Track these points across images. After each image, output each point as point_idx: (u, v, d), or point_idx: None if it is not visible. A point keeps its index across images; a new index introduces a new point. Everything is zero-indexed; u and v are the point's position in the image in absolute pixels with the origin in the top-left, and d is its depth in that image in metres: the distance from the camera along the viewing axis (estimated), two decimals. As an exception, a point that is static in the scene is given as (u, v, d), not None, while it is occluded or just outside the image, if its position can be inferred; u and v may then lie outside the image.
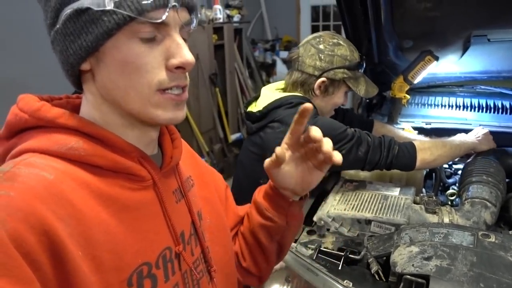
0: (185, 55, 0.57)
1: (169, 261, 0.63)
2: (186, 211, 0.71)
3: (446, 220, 1.18)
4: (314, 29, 6.42)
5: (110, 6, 0.52)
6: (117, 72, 0.56)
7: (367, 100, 2.03)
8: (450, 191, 1.46)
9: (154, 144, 0.69)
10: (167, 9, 0.55)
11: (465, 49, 1.68)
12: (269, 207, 0.81)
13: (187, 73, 0.61)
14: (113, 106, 0.60)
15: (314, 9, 6.34)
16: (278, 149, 0.68)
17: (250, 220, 0.86)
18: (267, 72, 5.89)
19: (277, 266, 1.02)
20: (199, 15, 0.66)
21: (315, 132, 0.66)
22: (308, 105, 0.65)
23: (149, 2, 0.53)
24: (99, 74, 0.58)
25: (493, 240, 0.96)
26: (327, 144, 0.66)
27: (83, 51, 0.55)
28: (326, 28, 6.33)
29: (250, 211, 0.86)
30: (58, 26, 0.56)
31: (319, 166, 0.72)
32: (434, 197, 1.30)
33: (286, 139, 0.71)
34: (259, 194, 0.84)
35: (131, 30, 0.54)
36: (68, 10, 0.54)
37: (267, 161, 0.71)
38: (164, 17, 0.54)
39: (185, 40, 0.60)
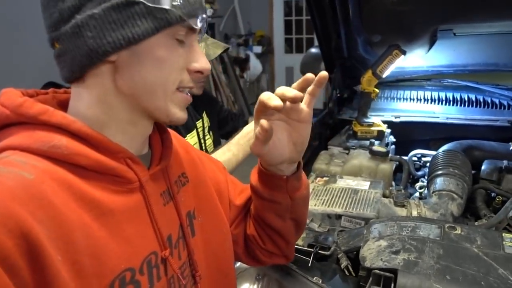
0: (205, 61, 0.63)
1: (154, 267, 0.61)
2: (175, 214, 0.69)
3: (415, 213, 1.19)
4: (287, 24, 6.43)
5: (167, 5, 0.55)
6: (150, 68, 0.58)
7: (338, 95, 2.04)
8: (419, 183, 1.48)
9: (145, 143, 0.67)
10: (200, 18, 0.61)
11: (431, 43, 1.71)
12: (267, 190, 0.77)
13: None
14: (126, 101, 0.60)
15: (287, 4, 6.35)
16: (262, 122, 0.64)
17: (254, 205, 0.83)
18: (241, 67, 5.87)
19: (245, 265, 1.01)
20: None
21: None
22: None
23: (196, 10, 0.59)
24: (128, 68, 0.57)
25: (459, 232, 0.98)
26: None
27: (125, 42, 0.55)
28: (298, 22, 6.34)
29: (252, 196, 0.83)
30: (95, 11, 0.54)
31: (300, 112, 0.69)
32: (403, 190, 1.32)
33: (256, 113, 0.68)
34: (253, 177, 0.80)
35: (174, 30, 0.58)
36: (119, 1, 0.54)
37: (254, 144, 0.69)
38: (200, 25, 0.61)
39: None
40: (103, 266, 0.53)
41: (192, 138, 1.50)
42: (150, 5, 0.54)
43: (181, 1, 0.57)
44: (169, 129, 0.75)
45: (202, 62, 0.63)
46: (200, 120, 1.56)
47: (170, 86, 0.60)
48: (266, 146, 0.69)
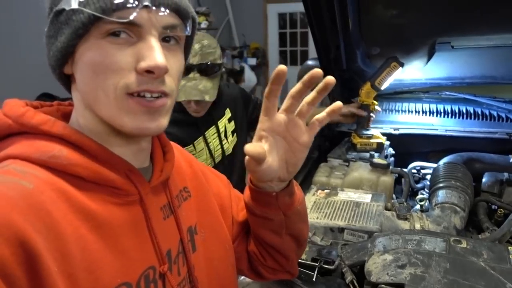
0: (155, 58, 0.53)
1: (152, 282, 0.59)
2: (175, 228, 0.67)
3: (418, 226, 1.18)
4: (282, 36, 6.47)
5: (75, 5, 0.51)
6: (89, 73, 0.54)
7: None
8: (420, 196, 1.47)
9: (144, 156, 0.65)
10: (137, 9, 0.52)
11: (430, 56, 1.72)
12: (258, 206, 0.74)
13: (166, 80, 0.56)
14: (92, 112, 0.57)
15: (281, 17, 6.39)
16: (254, 147, 0.61)
17: (249, 222, 0.80)
18: (235, 79, 5.87)
19: (248, 280, 0.99)
20: (196, 19, 0.63)
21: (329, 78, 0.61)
22: (282, 66, 0.60)
23: (117, 1, 0.51)
24: (77, 77, 0.57)
25: (465, 245, 0.97)
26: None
27: (59, 53, 0.55)
28: (293, 35, 6.38)
29: (246, 213, 0.80)
30: (45, 29, 0.56)
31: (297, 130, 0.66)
32: (405, 203, 1.31)
33: (260, 125, 0.66)
34: (246, 193, 0.78)
35: (100, 30, 0.52)
36: (52, 13, 0.54)
37: (247, 163, 0.64)
38: (131, 17, 0.52)
39: (178, 44, 0.59)
40: (98, 280, 0.52)
41: (212, 136, 1.53)
42: (67, 9, 0.52)
43: None
44: (172, 143, 0.74)
45: (150, 59, 0.53)
46: (223, 119, 1.57)
47: (111, 91, 0.54)
48: (263, 164, 0.65)
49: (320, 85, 0.63)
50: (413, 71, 1.82)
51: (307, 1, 1.51)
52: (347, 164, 1.65)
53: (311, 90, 0.65)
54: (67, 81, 0.60)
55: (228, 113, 1.60)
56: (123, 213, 0.58)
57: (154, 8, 0.53)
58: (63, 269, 0.48)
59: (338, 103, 0.65)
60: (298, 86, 0.63)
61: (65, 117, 0.63)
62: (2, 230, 0.44)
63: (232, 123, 1.62)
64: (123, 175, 0.58)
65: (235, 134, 1.63)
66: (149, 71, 0.53)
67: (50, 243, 0.48)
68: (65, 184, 0.53)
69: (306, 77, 0.61)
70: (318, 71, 0.60)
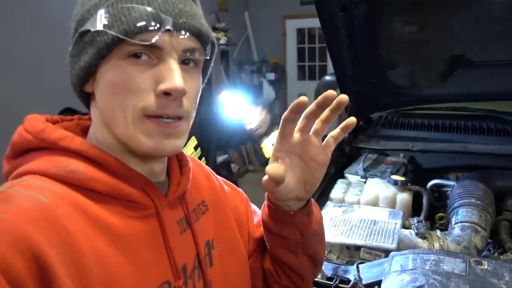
0: (174, 80, 0.54)
1: None
2: (192, 243, 0.67)
3: (437, 245, 1.16)
4: (300, 51, 6.50)
5: (100, 27, 0.53)
6: (108, 93, 0.56)
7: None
8: (439, 214, 1.44)
9: (160, 171, 0.65)
10: (159, 33, 0.53)
11: (450, 72, 1.70)
12: (275, 224, 0.73)
13: (183, 102, 0.57)
14: (109, 130, 0.58)
15: (300, 32, 6.43)
16: (275, 169, 0.62)
17: (266, 239, 0.79)
18: (254, 94, 5.90)
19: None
20: (215, 44, 0.64)
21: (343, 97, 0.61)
22: (303, 98, 0.60)
23: (140, 24, 0.52)
24: (97, 96, 0.58)
25: (486, 267, 0.94)
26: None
27: (81, 72, 0.56)
28: (311, 50, 6.40)
29: (263, 230, 0.79)
30: (70, 48, 0.58)
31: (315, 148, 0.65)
32: (423, 221, 1.28)
33: (276, 146, 0.65)
34: (263, 210, 0.77)
35: (122, 51, 0.54)
36: (77, 33, 0.56)
37: (266, 184, 0.64)
38: (153, 40, 0.53)
39: (196, 67, 0.60)
40: None
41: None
42: (92, 30, 0.54)
43: (109, 20, 0.53)
44: (189, 156, 0.74)
45: (169, 81, 0.54)
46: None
47: (129, 111, 0.55)
48: (280, 186, 0.64)
49: (334, 104, 0.62)
50: (433, 87, 1.80)
51: (324, 18, 1.52)
52: (364, 180, 1.63)
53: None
54: (87, 98, 0.62)
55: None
56: (140, 226, 0.58)
57: (175, 31, 0.55)
58: (78, 282, 0.48)
59: (351, 119, 0.64)
60: (311, 107, 0.62)
61: (85, 131, 0.64)
62: (17, 243, 0.45)
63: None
64: (139, 189, 0.59)
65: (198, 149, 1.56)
66: (167, 93, 0.54)
67: (65, 257, 0.48)
68: (82, 198, 0.54)
69: (320, 98, 0.61)
70: (331, 93, 0.60)
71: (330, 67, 5.78)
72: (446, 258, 0.98)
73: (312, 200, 0.76)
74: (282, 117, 0.63)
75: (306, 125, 0.64)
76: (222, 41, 4.86)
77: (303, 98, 0.60)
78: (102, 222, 0.54)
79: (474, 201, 1.29)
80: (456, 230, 1.21)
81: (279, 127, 0.65)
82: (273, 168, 0.62)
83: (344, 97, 0.61)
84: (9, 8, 2.79)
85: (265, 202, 0.76)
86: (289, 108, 0.61)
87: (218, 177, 0.85)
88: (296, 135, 0.65)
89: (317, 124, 0.65)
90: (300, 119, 0.64)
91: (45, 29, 3.00)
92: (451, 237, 1.19)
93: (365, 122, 2.08)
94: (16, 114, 0.61)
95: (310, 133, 0.66)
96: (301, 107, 0.60)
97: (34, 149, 0.57)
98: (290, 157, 0.66)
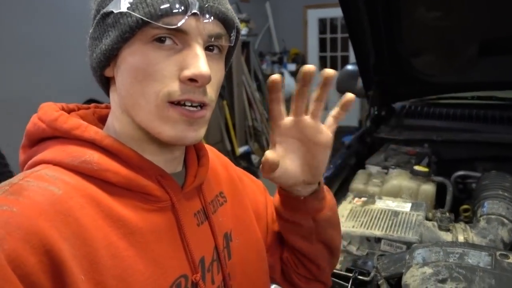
0: (200, 66, 0.51)
1: None
2: (210, 235, 0.65)
3: (461, 238, 1.12)
4: (322, 42, 6.43)
5: (124, 8, 0.51)
6: (130, 79, 0.53)
7: (376, 112, 1.98)
8: (464, 206, 1.40)
9: (177, 162, 0.64)
10: (185, 16, 0.51)
11: (475, 59, 1.64)
12: (286, 210, 0.72)
13: (207, 90, 0.55)
14: (129, 117, 0.57)
15: (322, 22, 6.35)
16: (268, 154, 0.61)
17: (280, 227, 0.79)
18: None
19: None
20: (240, 30, 0.62)
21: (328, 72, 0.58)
22: (274, 77, 0.58)
23: (165, 6, 0.50)
24: (117, 81, 0.56)
25: (512, 260, 0.90)
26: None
27: (102, 55, 0.54)
28: (333, 40, 6.32)
29: (276, 217, 0.79)
30: (90, 31, 0.56)
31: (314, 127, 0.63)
32: (447, 213, 1.25)
33: (272, 132, 0.64)
34: (275, 197, 0.76)
35: (146, 35, 0.51)
36: (99, 15, 0.54)
37: (261, 170, 0.63)
38: (179, 24, 0.51)
39: (220, 53, 0.58)
40: None
41: None
42: (116, 12, 0.52)
43: (134, 2, 0.51)
44: (208, 146, 0.73)
45: (195, 67, 0.52)
46: None
47: (152, 98, 0.53)
48: (276, 172, 0.63)
49: (320, 80, 0.60)
50: (458, 75, 1.74)
51: (346, 6, 1.48)
52: (386, 171, 1.60)
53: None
54: (107, 83, 0.60)
55: None
56: (155, 219, 0.56)
57: (202, 16, 0.52)
58: (91, 276, 0.48)
59: (349, 95, 0.62)
60: (296, 87, 0.60)
61: (101, 120, 0.63)
62: (29, 237, 0.44)
63: None
64: (154, 181, 0.57)
65: None
66: (192, 80, 0.52)
67: (77, 250, 0.47)
68: (96, 189, 0.52)
69: (298, 75, 0.59)
70: (308, 67, 0.58)
71: (352, 58, 5.69)
72: (471, 251, 0.95)
73: (325, 186, 0.74)
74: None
75: (297, 107, 0.62)
76: (243, 32, 4.83)
77: (274, 77, 0.58)
78: (115, 215, 0.52)
79: (501, 193, 1.25)
80: (482, 223, 1.17)
81: (269, 115, 0.64)
82: (266, 153, 0.61)
83: (329, 71, 0.59)
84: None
85: (277, 189, 0.74)
86: (268, 89, 0.59)
87: (237, 168, 0.84)
88: (289, 118, 0.63)
89: (311, 104, 0.63)
90: (291, 102, 0.62)
91: (66, 19, 3.03)
92: (476, 229, 1.15)
93: (387, 112, 2.04)
94: (38, 105, 0.60)
95: (305, 114, 0.63)
96: (275, 86, 0.58)
97: (49, 138, 0.56)
98: (288, 141, 0.64)
